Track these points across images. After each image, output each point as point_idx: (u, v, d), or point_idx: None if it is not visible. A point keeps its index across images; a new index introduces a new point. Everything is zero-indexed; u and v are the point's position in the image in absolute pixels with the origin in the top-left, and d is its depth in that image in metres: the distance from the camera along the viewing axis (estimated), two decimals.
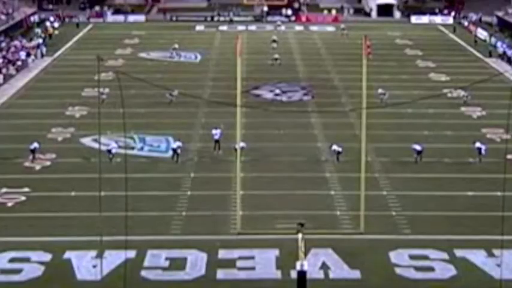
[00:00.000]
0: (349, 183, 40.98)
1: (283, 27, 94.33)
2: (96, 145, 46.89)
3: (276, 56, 73.44)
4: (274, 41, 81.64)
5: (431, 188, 41.76)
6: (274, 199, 40.10)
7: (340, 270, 32.43)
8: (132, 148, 48.14)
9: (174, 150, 46.02)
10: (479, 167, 45.02)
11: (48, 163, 45.72)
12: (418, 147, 45.66)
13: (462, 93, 59.65)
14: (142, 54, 78.45)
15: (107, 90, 57.15)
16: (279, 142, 49.61)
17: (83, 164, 45.00)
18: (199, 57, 77.23)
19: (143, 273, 32.14)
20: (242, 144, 41.89)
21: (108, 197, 36.53)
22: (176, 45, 78.49)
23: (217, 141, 47.03)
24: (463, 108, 57.53)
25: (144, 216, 37.51)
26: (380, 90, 58.15)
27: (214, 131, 47.47)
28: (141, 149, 48.49)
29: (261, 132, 51.18)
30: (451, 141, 50.07)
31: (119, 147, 46.24)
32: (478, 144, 46.15)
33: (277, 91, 61.79)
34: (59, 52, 79.57)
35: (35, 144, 45.96)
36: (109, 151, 45.22)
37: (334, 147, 46.28)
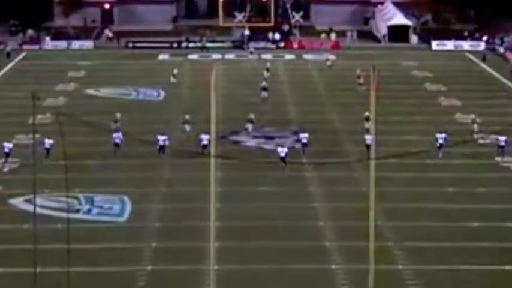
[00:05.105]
0: (355, 254, 41.01)
1: (268, 56, 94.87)
2: (30, 207, 46.76)
3: (264, 83, 74.46)
4: (267, 69, 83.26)
5: (457, 261, 41.70)
6: (259, 275, 40.05)
7: None
8: (77, 211, 48.12)
9: (161, 146, 55.71)
10: None
11: None
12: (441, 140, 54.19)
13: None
14: (90, 91, 78.73)
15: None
16: (264, 202, 49.65)
17: (13, 232, 44.83)
18: (162, 94, 77.61)
19: None
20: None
21: (45, 273, 36.37)
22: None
23: (283, 159, 54.70)
24: (498, 159, 57.88)
25: None
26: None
27: (279, 148, 55.74)
28: (88, 211, 48.49)
29: (241, 189, 51.28)
30: (484, 200, 50.12)
31: (56, 209, 46.16)
32: None
33: (262, 138, 62.10)
34: None
35: None
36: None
37: (301, 135, 53.47)
